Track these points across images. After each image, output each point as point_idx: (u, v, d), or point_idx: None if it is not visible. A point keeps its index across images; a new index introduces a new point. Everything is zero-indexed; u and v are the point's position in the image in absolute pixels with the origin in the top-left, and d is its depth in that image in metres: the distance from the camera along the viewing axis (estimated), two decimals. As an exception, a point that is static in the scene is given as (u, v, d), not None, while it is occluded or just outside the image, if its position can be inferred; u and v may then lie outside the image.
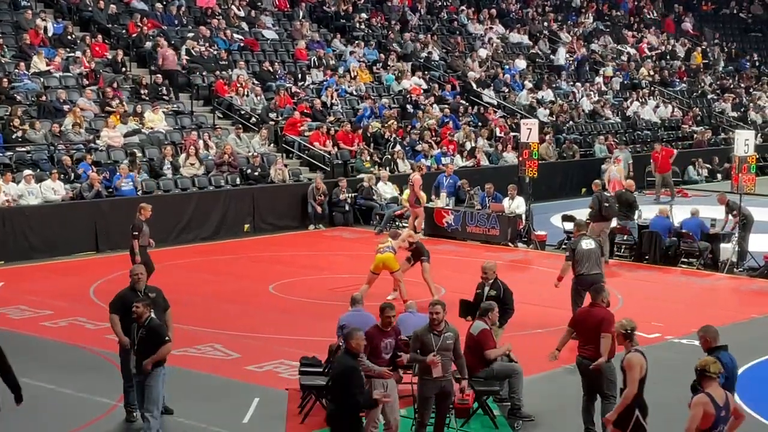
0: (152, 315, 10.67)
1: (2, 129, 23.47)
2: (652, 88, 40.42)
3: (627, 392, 9.40)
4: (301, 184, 25.96)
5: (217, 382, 13.19)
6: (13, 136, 23.29)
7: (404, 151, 28.62)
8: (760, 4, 52.11)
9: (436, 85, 34.09)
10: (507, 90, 35.58)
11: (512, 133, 31.18)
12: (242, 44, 31.68)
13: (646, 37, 45.21)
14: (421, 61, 35.15)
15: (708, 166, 35.20)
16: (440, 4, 40.60)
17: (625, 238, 22.17)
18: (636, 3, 48.72)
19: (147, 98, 27.04)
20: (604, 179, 28.26)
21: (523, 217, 23.66)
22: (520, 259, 22.72)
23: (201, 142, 25.73)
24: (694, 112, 39.68)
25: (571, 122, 34.84)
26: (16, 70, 26.01)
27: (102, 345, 14.14)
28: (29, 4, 29.11)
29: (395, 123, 29.79)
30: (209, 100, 28.39)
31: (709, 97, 41.88)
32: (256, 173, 25.39)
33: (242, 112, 28.17)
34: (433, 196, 25.22)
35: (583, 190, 29.68)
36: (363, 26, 36.11)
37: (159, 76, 27.87)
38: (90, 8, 30.06)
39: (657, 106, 39.01)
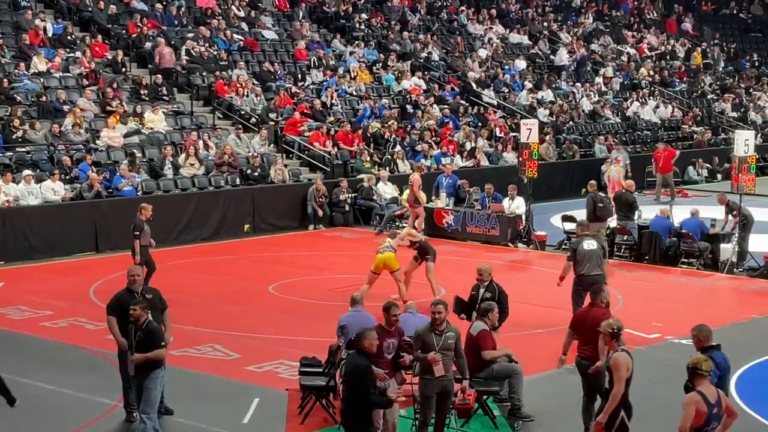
0: (150, 318, 10.67)
1: (2, 129, 23.47)
2: (652, 88, 40.42)
3: (614, 392, 9.42)
4: (301, 185, 25.95)
5: (217, 382, 13.19)
6: (13, 137, 23.29)
7: (404, 152, 28.63)
8: (760, 5, 52.12)
9: (436, 86, 34.09)
10: (507, 90, 35.59)
11: (512, 134, 31.18)
12: (242, 44, 31.68)
13: (646, 38, 45.21)
14: (421, 61, 35.16)
15: (708, 166, 35.20)
16: (440, 4, 40.60)
17: (625, 238, 22.17)
18: (636, 3, 48.73)
19: (147, 98, 27.04)
20: (603, 179, 28.32)
21: (523, 217, 23.67)
22: (520, 259, 22.73)
23: (201, 142, 25.73)
24: (694, 112, 39.69)
25: (571, 122, 34.85)
26: (16, 71, 26.01)
27: (102, 345, 14.13)
28: (29, 4, 29.11)
29: (395, 123, 29.79)
30: (209, 101, 28.39)
31: (709, 97, 41.89)
32: (256, 173, 25.39)
33: (242, 113, 28.17)
34: (433, 197, 25.23)
35: (583, 190, 29.49)
36: (363, 26, 36.11)
37: (159, 76, 27.87)
38: (90, 8, 30.06)
39: (657, 107, 39.02)
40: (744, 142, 21.57)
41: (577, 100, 36.95)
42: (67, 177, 22.76)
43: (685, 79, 42.63)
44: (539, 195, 25.87)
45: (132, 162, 23.52)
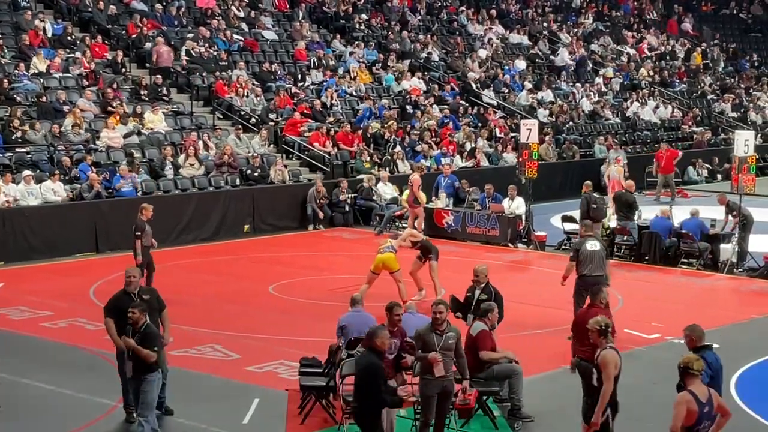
0: (148, 321, 10.68)
1: (2, 130, 23.47)
2: (652, 88, 40.41)
3: (604, 390, 9.42)
4: (301, 185, 25.95)
5: (217, 382, 13.19)
6: (13, 137, 23.28)
7: (404, 152, 28.62)
8: (760, 5, 52.11)
9: (436, 86, 34.09)
10: (507, 90, 35.58)
11: (512, 134, 31.18)
12: (242, 45, 31.68)
13: (646, 38, 45.21)
14: (421, 61, 35.16)
15: (708, 166, 35.20)
16: (440, 4, 40.59)
17: (625, 238, 22.16)
18: (636, 3, 48.72)
19: (147, 99, 27.04)
20: (603, 180, 28.31)
21: (523, 217, 23.67)
22: (520, 259, 22.73)
23: (201, 142, 25.73)
24: (693, 112, 39.68)
25: (570, 123, 34.84)
26: (16, 71, 26.00)
27: (102, 346, 14.11)
28: (29, 4, 29.10)
29: (395, 123, 29.79)
30: (209, 101, 28.39)
31: (708, 97, 41.87)
32: (256, 174, 25.39)
33: (242, 113, 28.17)
34: (433, 197, 25.23)
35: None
36: (363, 27, 36.11)
37: (159, 76, 27.87)
38: (90, 9, 30.05)
39: (657, 107, 39.01)
40: (744, 143, 21.56)
41: (577, 101, 36.95)
42: (67, 177, 22.75)
43: (685, 79, 42.63)
44: (539, 195, 25.86)
45: (131, 162, 23.53)
